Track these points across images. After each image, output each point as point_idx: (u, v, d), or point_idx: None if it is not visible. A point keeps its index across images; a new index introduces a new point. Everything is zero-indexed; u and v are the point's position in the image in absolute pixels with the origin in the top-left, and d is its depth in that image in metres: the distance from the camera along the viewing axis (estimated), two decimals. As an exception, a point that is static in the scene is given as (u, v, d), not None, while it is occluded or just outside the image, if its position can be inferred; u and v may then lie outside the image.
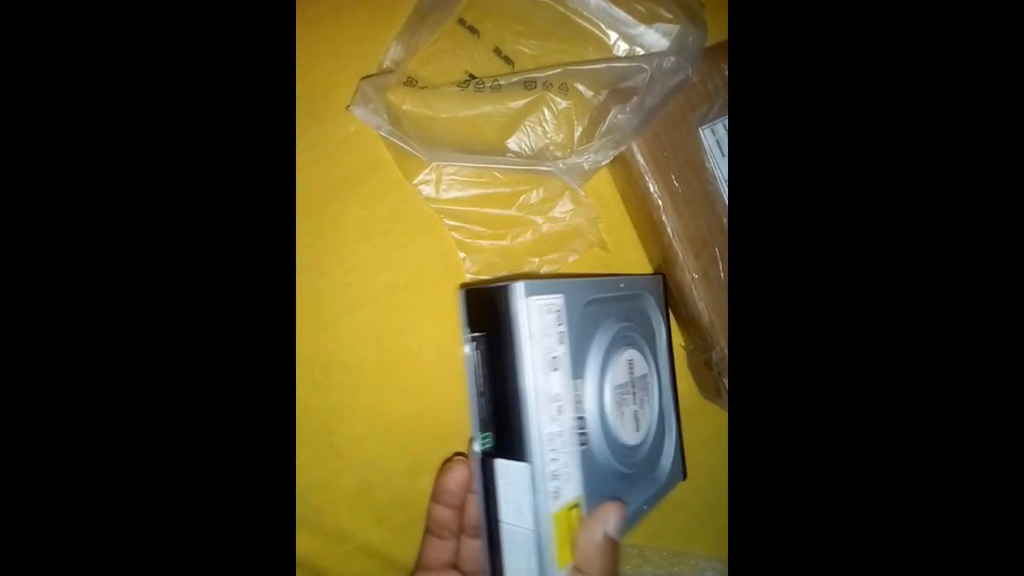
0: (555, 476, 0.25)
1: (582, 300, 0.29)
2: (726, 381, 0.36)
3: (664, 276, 0.38)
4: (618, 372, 0.30)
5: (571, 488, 0.26)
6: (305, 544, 0.38)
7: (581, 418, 0.28)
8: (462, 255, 0.40)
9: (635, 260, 0.41)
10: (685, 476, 0.37)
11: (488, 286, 0.26)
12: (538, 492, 0.25)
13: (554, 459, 0.25)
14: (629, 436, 0.31)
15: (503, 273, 0.40)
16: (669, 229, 0.36)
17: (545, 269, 0.41)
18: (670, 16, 0.38)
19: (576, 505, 0.26)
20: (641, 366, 0.33)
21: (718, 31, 0.37)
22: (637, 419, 0.32)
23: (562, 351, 0.27)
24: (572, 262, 0.41)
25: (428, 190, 0.40)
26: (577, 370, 0.28)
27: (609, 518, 0.26)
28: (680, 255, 0.36)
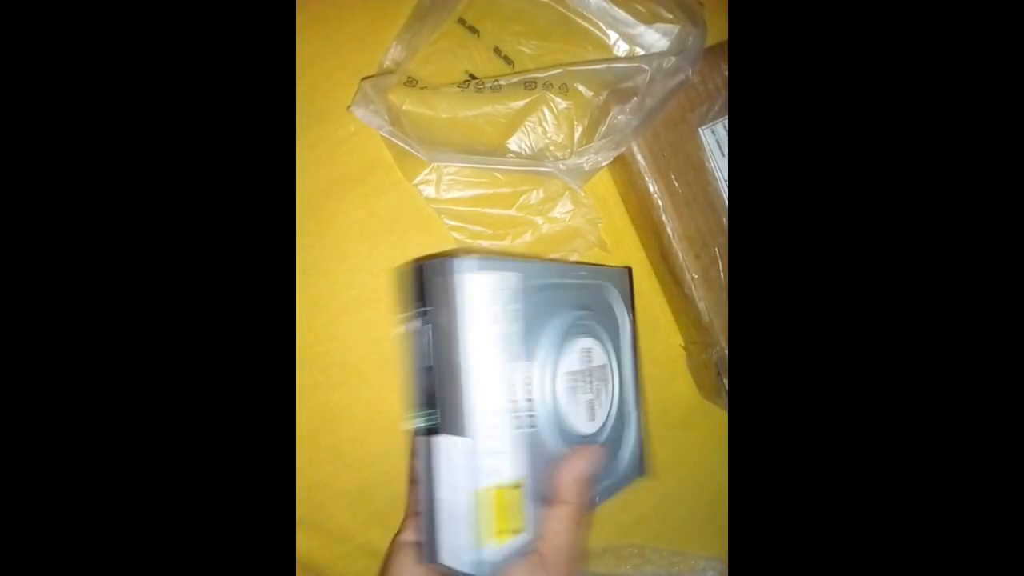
0: (493, 453, 0.25)
1: (539, 282, 0.29)
2: (726, 381, 0.36)
3: (630, 270, 0.38)
4: (572, 359, 0.30)
5: (512, 468, 0.26)
6: (305, 544, 0.38)
7: (530, 400, 0.28)
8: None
9: (635, 260, 0.41)
10: (644, 472, 0.36)
11: (432, 260, 0.26)
12: (469, 468, 0.25)
13: (492, 436, 0.25)
14: (582, 424, 0.31)
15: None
16: (669, 229, 0.36)
17: (545, 269, 0.41)
18: (670, 16, 0.38)
19: (518, 486, 0.26)
20: (599, 356, 0.33)
21: (718, 31, 0.37)
22: (592, 408, 0.32)
23: (514, 330, 0.27)
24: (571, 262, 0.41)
25: (428, 190, 0.40)
26: (528, 351, 0.28)
27: (589, 455, 0.29)
28: (680, 255, 0.36)
